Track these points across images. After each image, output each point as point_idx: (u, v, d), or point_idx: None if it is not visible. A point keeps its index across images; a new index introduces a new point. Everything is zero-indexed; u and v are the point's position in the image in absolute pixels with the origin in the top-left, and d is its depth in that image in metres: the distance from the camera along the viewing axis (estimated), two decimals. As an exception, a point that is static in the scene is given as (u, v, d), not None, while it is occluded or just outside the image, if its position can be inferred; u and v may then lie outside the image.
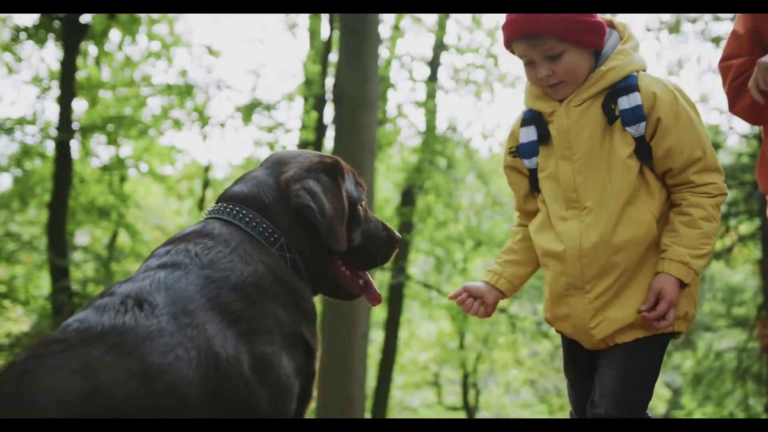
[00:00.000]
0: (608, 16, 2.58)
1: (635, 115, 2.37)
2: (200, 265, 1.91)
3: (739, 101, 2.77)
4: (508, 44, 2.47)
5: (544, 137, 2.49)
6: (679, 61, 12.71)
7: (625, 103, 2.39)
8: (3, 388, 1.61)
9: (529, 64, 2.44)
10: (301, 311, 2.01)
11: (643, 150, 2.39)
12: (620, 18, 2.63)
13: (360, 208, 2.26)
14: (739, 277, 17.19)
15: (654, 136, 2.38)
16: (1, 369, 1.70)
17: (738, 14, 2.78)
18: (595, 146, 2.40)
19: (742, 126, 11.59)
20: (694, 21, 11.82)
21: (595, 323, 2.40)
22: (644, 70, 2.48)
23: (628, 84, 2.40)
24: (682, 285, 2.37)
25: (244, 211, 2.08)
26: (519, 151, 2.55)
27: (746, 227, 12.86)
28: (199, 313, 1.80)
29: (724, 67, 2.81)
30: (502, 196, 15.59)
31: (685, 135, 2.38)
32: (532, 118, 2.53)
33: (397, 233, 2.37)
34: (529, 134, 2.52)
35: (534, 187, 2.57)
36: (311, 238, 2.12)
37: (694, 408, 14.05)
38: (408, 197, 15.19)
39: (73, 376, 1.61)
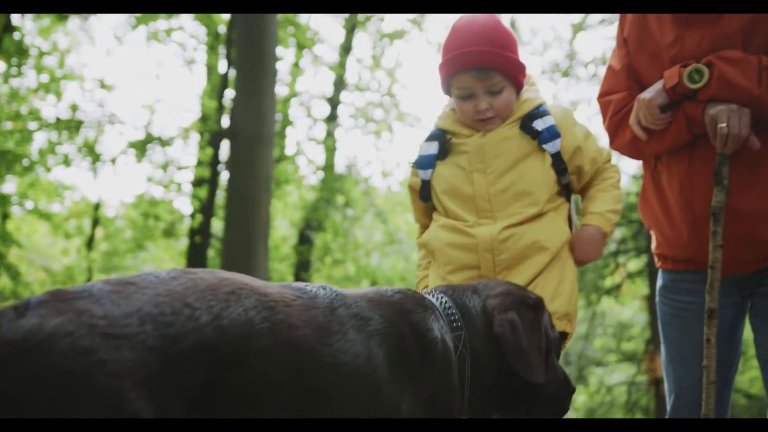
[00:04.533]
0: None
1: (551, 133, 2.61)
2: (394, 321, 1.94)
3: (618, 136, 2.80)
4: (453, 74, 2.60)
5: (443, 153, 2.68)
6: (573, 103, 13.16)
7: (540, 124, 2.62)
8: None
9: (468, 98, 2.61)
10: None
11: (558, 165, 2.62)
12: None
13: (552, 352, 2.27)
14: (628, 313, 17.75)
15: (566, 144, 2.64)
16: None
17: (613, 49, 2.82)
18: (510, 162, 2.60)
19: (631, 166, 12.03)
20: (585, 65, 12.29)
21: None
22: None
23: (539, 111, 2.66)
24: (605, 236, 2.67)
25: (441, 294, 2.16)
26: (417, 162, 2.73)
27: (634, 264, 13.31)
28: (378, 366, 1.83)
29: (603, 103, 2.84)
30: (400, 234, 15.63)
31: (589, 141, 2.69)
32: (437, 135, 2.72)
33: (573, 384, 2.35)
34: (430, 149, 2.71)
35: (424, 198, 2.74)
36: (501, 364, 2.13)
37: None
38: (305, 236, 15.05)
39: None
